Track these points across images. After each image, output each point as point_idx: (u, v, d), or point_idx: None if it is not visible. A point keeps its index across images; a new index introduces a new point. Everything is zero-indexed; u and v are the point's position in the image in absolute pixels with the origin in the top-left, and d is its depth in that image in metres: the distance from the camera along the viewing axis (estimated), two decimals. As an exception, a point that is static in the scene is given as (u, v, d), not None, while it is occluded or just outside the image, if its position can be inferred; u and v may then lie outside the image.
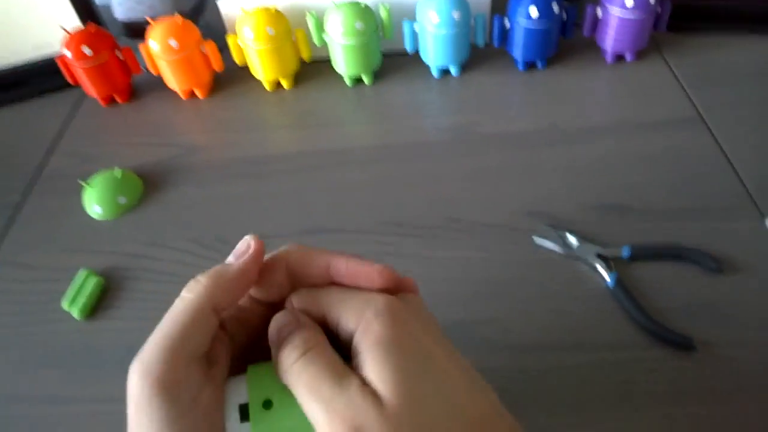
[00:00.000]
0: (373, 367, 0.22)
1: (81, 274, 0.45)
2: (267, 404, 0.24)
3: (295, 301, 0.26)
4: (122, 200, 0.50)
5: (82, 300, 0.43)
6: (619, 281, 0.40)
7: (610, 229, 0.45)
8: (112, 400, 0.38)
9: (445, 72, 0.60)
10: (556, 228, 0.45)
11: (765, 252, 0.42)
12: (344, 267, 0.26)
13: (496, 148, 0.52)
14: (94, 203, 0.50)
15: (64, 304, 0.43)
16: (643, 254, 0.43)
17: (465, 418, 0.23)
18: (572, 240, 0.44)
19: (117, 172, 0.51)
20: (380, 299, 0.24)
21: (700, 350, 0.37)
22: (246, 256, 0.26)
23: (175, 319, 0.24)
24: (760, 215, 0.45)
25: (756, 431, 0.34)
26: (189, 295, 0.24)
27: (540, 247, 0.44)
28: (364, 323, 0.23)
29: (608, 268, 0.42)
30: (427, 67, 0.60)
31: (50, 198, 0.53)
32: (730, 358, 0.37)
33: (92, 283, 0.44)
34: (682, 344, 0.37)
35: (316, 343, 0.24)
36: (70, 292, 0.44)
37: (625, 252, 0.42)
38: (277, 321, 0.25)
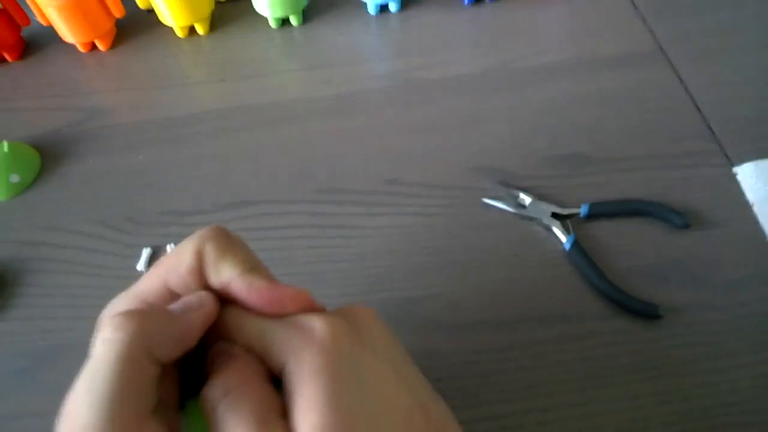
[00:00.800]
0: (302, 409, 0.18)
1: (-32, 270, 0.39)
2: None
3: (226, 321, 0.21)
4: (15, 178, 0.43)
5: (-31, 301, 0.37)
6: (576, 243, 0.37)
7: (565, 183, 0.41)
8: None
9: (383, 8, 0.53)
10: (507, 185, 0.40)
11: (734, 202, 0.39)
12: (246, 294, 0.21)
13: (439, 96, 0.47)
14: (-21, 184, 0.43)
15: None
16: (602, 211, 0.39)
17: None
18: (525, 198, 0.40)
19: (5, 145, 0.43)
20: (317, 324, 0.20)
21: (666, 317, 0.34)
22: (196, 313, 0.20)
23: (105, 378, 0.18)
24: (727, 161, 0.41)
25: (729, 403, 0.31)
26: (116, 336, 0.18)
27: (490, 207, 0.40)
28: (294, 356, 0.19)
29: (565, 229, 0.38)
30: (363, 4, 0.53)
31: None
32: (701, 323, 0.34)
33: (-18, 280, 0.38)
34: (646, 312, 0.34)
35: (243, 380, 0.19)
36: (-45, 293, 0.38)
37: (582, 210, 0.39)
38: (210, 351, 0.21)
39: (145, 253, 0.39)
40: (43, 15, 0.50)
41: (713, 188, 0.40)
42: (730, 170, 0.41)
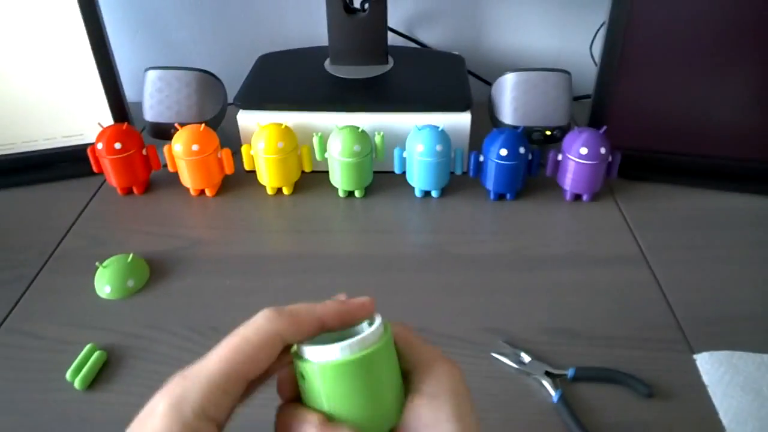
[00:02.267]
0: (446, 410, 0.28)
1: (87, 348, 0.50)
2: None
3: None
4: (130, 283, 0.56)
5: (83, 372, 0.48)
6: (563, 398, 0.46)
7: (558, 349, 0.51)
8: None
9: (426, 193, 0.69)
10: (512, 345, 0.51)
11: (692, 383, 0.48)
12: (336, 317, 0.30)
13: (463, 268, 0.60)
14: (105, 283, 0.55)
15: (68, 375, 0.48)
16: (585, 375, 0.48)
17: None
18: (525, 357, 0.50)
19: (129, 257, 0.57)
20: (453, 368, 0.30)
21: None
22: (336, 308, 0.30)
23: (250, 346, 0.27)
24: (689, 348, 0.51)
25: None
26: (266, 325, 0.27)
27: (496, 360, 0.50)
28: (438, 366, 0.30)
29: (554, 386, 0.47)
30: (411, 188, 0.69)
31: (62, 275, 0.59)
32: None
33: (95, 357, 0.49)
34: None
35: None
36: (75, 363, 0.48)
37: (570, 372, 0.48)
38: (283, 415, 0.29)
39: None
40: (173, 164, 0.66)
41: (676, 369, 0.49)
42: (691, 356, 0.51)
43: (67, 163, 0.72)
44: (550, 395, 0.47)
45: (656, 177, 0.71)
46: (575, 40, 0.87)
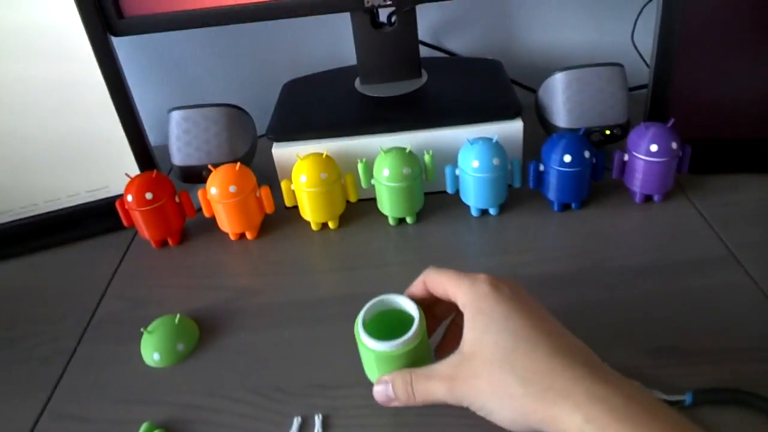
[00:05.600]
0: (466, 328, 0.37)
1: (144, 427, 0.44)
2: None
3: (427, 281, 0.42)
4: (180, 347, 0.51)
5: (144, 456, 0.42)
6: None
7: (666, 372, 0.45)
8: None
9: (483, 212, 0.63)
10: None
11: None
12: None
13: (539, 291, 0.53)
14: (153, 350, 0.50)
15: (126, 463, 0.42)
16: (705, 399, 0.43)
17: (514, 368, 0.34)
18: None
19: (176, 318, 0.52)
20: (481, 283, 0.39)
21: None
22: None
23: None
24: (805, 356, 0.46)
25: None
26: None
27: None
28: (464, 299, 0.38)
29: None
30: (466, 207, 0.64)
31: (103, 344, 0.54)
32: None
33: (154, 438, 0.43)
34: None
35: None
36: (133, 449, 0.43)
37: (688, 398, 0.43)
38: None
39: (296, 422, 0.44)
40: (209, 209, 0.61)
41: None
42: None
43: (93, 220, 0.67)
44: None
45: (729, 167, 0.66)
46: (612, 31, 0.82)
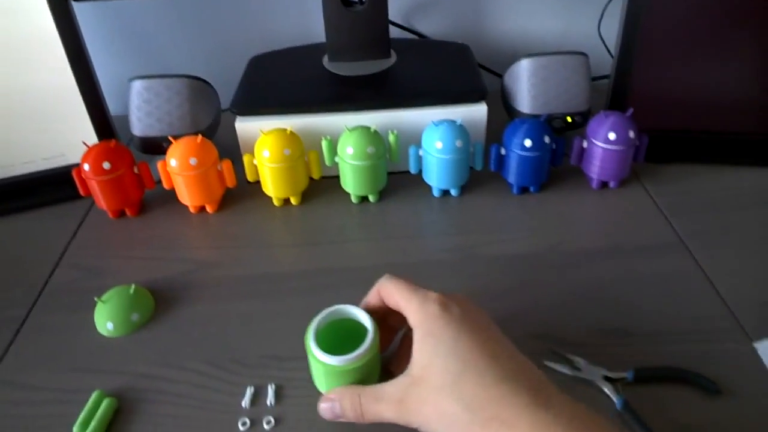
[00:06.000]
0: (415, 349, 0.37)
1: (94, 395, 0.44)
2: None
3: (381, 290, 0.42)
4: (135, 317, 0.50)
5: (93, 425, 0.42)
6: (626, 403, 0.42)
7: (612, 351, 0.47)
8: None
9: (445, 192, 0.64)
10: (563, 351, 0.47)
11: (757, 372, 0.45)
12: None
13: (497, 270, 0.55)
14: (107, 320, 0.49)
15: (75, 430, 0.42)
16: (646, 376, 0.44)
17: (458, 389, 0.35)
18: (579, 361, 0.46)
19: (131, 288, 0.51)
20: (431, 303, 0.38)
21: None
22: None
23: None
24: (747, 337, 0.48)
25: None
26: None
27: (550, 369, 0.46)
28: (414, 318, 0.38)
29: (616, 391, 0.43)
30: (428, 187, 0.64)
31: (55, 313, 0.53)
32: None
33: (105, 406, 0.43)
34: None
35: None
36: (82, 415, 0.42)
37: (629, 375, 0.44)
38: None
39: (249, 392, 0.45)
40: (169, 181, 0.60)
41: (738, 360, 0.46)
42: (751, 345, 0.47)
43: (49, 188, 0.65)
44: (613, 402, 0.43)
45: (683, 158, 0.68)
46: (580, 21, 0.84)
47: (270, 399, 0.44)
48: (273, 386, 0.45)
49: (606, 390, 0.44)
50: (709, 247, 0.57)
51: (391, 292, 0.41)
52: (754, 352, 0.47)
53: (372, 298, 0.43)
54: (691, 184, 0.65)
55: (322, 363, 0.39)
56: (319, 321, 0.42)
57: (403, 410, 0.36)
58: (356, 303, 0.44)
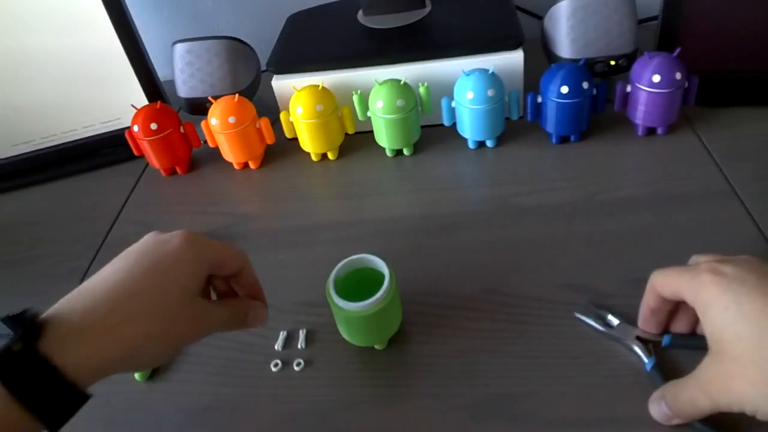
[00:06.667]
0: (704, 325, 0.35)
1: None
2: None
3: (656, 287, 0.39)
4: (181, 267, 0.54)
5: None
6: (657, 366, 0.40)
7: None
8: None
9: (481, 144, 0.63)
10: (597, 306, 0.46)
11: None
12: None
13: (533, 220, 0.54)
14: (156, 270, 0.53)
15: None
16: (682, 343, 0.42)
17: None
18: (613, 319, 0.44)
19: (177, 241, 0.55)
20: (701, 273, 0.35)
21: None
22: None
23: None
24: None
25: None
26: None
27: (579, 322, 0.45)
28: (690, 297, 0.36)
29: (647, 352, 0.42)
30: (464, 139, 0.64)
31: (114, 263, 0.58)
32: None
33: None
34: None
35: None
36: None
37: (665, 340, 0.42)
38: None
39: (282, 336, 0.47)
40: (213, 140, 0.63)
41: None
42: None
43: (109, 149, 0.70)
44: (643, 362, 0.41)
45: (739, 101, 0.63)
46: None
47: (301, 342, 0.47)
48: (304, 331, 0.47)
49: (637, 350, 0.42)
50: (763, 195, 0.53)
51: (663, 283, 0.39)
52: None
53: (650, 299, 0.41)
54: (746, 129, 0.61)
55: (340, 308, 0.41)
56: (339, 269, 0.43)
57: (714, 392, 0.33)
58: (389, 252, 0.45)
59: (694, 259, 0.40)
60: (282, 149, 0.67)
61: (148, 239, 0.37)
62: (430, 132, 0.65)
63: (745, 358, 0.31)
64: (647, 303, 0.41)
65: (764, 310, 0.31)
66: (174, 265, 0.35)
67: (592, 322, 0.44)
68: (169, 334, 0.34)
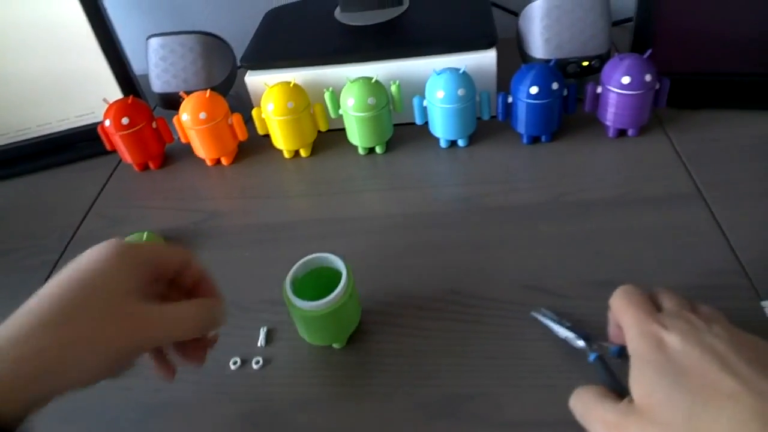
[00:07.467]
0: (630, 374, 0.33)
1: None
2: None
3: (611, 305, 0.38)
4: (147, 263, 0.54)
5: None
6: (600, 359, 0.41)
7: (603, 305, 0.46)
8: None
9: (452, 143, 0.64)
10: (555, 306, 0.46)
11: (763, 333, 0.43)
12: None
13: (500, 220, 0.55)
14: (122, 265, 0.54)
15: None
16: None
17: None
18: (568, 321, 0.44)
19: (143, 235, 0.55)
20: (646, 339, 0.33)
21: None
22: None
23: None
24: (756, 295, 0.45)
25: None
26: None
27: (536, 323, 0.45)
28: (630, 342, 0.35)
29: (598, 350, 0.42)
30: (436, 138, 0.64)
31: (83, 257, 0.58)
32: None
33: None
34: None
35: None
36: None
37: (613, 350, 0.41)
38: None
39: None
40: (184, 134, 0.63)
41: (742, 319, 0.44)
42: (759, 303, 0.45)
43: (83, 143, 0.70)
44: (587, 355, 0.41)
45: (711, 103, 0.63)
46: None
47: (261, 341, 0.47)
48: (265, 329, 0.48)
49: (581, 343, 0.42)
50: (729, 199, 0.53)
51: (615, 310, 0.38)
52: (762, 311, 0.44)
53: (611, 315, 0.40)
54: (717, 132, 0.61)
55: (296, 308, 0.41)
56: (297, 269, 0.44)
57: None
58: (359, 251, 0.45)
59: (662, 296, 0.38)
60: (255, 146, 0.67)
61: (84, 253, 0.37)
62: (403, 130, 0.65)
63: (672, 428, 0.30)
64: (611, 318, 0.41)
65: (703, 390, 0.30)
66: (103, 271, 0.35)
67: (548, 323, 0.45)
68: (96, 338, 0.32)
